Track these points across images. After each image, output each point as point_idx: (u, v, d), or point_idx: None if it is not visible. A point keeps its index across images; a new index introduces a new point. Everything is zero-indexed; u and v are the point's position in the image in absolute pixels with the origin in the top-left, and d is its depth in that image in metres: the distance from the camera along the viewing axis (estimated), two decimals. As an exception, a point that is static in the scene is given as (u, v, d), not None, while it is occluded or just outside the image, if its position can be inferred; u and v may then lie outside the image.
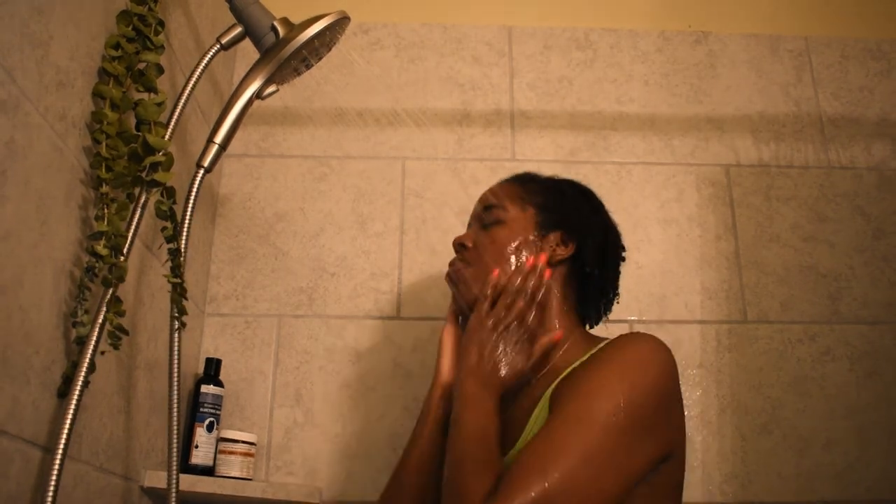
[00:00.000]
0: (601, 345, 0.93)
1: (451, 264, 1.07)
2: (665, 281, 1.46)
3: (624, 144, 1.57)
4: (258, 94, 1.06)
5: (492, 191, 1.10)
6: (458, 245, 1.07)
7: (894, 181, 1.54)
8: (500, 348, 0.92)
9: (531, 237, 1.02)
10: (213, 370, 1.31)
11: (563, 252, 1.02)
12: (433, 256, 1.47)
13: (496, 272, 0.98)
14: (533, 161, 1.53)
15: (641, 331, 1.13)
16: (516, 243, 1.01)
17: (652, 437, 0.81)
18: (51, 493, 0.77)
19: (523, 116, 1.58)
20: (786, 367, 1.41)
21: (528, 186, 1.08)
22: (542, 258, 0.97)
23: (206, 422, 1.26)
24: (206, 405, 1.27)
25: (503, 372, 0.90)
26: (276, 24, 1.06)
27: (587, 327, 1.06)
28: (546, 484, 0.74)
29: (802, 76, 1.62)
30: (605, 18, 1.67)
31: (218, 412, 1.28)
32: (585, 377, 0.85)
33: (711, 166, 1.55)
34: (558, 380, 0.90)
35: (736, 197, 1.52)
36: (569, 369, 0.90)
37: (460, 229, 1.53)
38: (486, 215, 1.06)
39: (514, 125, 1.57)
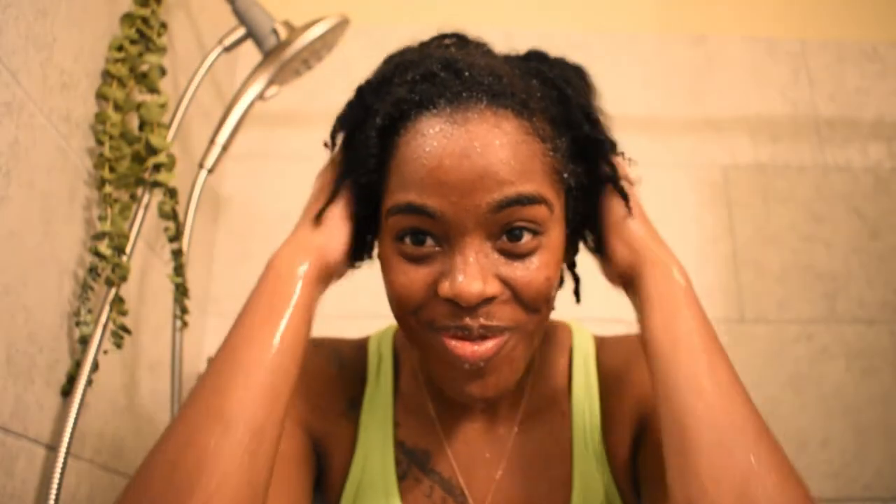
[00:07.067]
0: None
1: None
2: (663, 281, 1.47)
3: (622, 146, 1.56)
4: (260, 96, 1.07)
5: (501, 159, 0.60)
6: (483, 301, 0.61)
7: (890, 182, 1.55)
8: None
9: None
10: (214, 370, 1.32)
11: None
12: (433, 257, 1.47)
13: None
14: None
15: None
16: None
17: None
18: (54, 491, 0.78)
19: (522, 118, 1.59)
20: (783, 366, 1.42)
21: (549, 140, 0.64)
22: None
23: (208, 421, 1.27)
24: (207, 405, 1.27)
25: None
26: (277, 26, 1.07)
27: None
28: None
29: (799, 78, 1.63)
30: (604, 22, 1.68)
31: (219, 411, 1.29)
32: None
33: (709, 167, 1.56)
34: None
35: (733, 198, 1.53)
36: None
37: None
38: (508, 223, 0.61)
39: (513, 126, 1.58)
